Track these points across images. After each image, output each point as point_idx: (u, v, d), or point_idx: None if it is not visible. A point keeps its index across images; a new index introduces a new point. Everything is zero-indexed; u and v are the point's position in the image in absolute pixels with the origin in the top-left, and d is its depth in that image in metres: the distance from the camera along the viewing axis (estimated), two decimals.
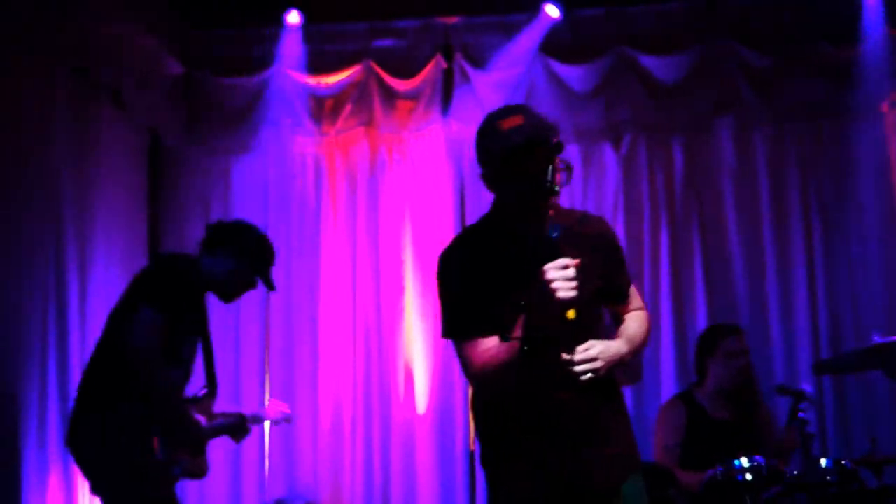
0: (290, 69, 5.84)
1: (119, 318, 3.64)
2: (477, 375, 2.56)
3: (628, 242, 5.57)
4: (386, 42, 5.92)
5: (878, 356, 4.14)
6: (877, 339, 4.12)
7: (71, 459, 3.77)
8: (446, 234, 5.83)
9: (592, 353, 2.48)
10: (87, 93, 5.09)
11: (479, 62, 5.83)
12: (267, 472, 5.53)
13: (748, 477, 3.93)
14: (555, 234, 2.42)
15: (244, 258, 3.89)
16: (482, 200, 5.86)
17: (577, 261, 2.39)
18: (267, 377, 5.72)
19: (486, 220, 2.70)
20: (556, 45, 5.77)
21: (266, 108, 5.86)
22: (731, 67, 5.72)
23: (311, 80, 5.87)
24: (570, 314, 2.36)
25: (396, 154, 5.95)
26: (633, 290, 2.82)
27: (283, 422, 4.51)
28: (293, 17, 5.74)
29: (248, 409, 4.35)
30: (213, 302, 4.01)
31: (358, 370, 5.75)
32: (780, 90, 5.74)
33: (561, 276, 2.36)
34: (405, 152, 5.96)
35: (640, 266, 5.68)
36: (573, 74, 5.79)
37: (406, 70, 5.88)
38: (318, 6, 5.76)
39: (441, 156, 5.92)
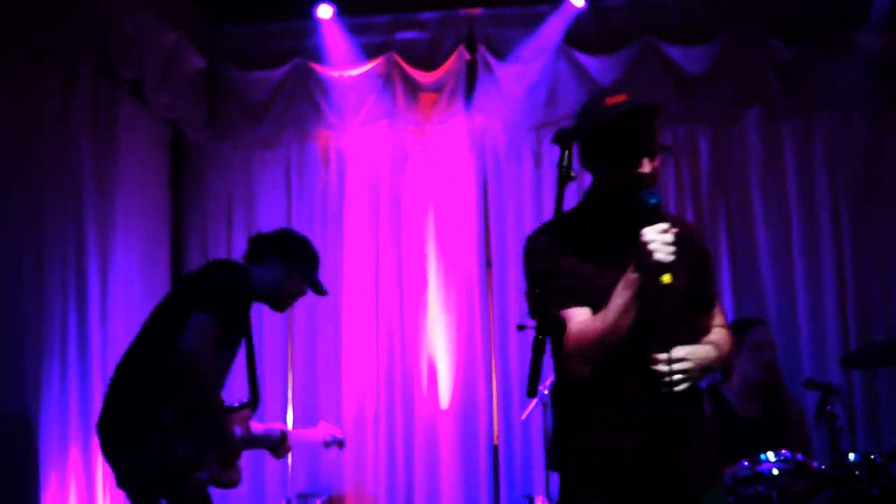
0: (312, 62, 5.82)
1: (167, 318, 3.58)
2: (572, 349, 2.50)
3: None
4: (409, 34, 5.89)
5: None
6: None
7: (91, 447, 3.75)
8: (469, 226, 5.80)
9: (681, 353, 2.48)
10: (109, 88, 5.09)
11: (502, 54, 5.79)
12: (290, 466, 5.52)
13: (774, 472, 3.88)
14: (653, 201, 2.43)
15: (293, 266, 3.87)
16: (504, 192, 5.86)
17: (675, 229, 2.40)
18: (290, 372, 5.71)
19: (580, 206, 2.70)
20: (580, 35, 5.72)
21: (288, 101, 5.86)
22: (757, 56, 5.64)
23: (334, 73, 5.85)
24: (667, 278, 2.36)
25: (419, 146, 5.92)
26: (718, 305, 2.77)
27: (333, 445, 4.39)
28: (325, 11, 5.69)
29: (294, 428, 4.24)
30: None
31: (381, 364, 5.74)
32: (808, 80, 5.65)
33: (660, 238, 2.37)
34: (428, 144, 5.93)
35: None
36: (597, 65, 5.73)
37: (429, 62, 5.85)
38: None
39: (464, 148, 5.89)
